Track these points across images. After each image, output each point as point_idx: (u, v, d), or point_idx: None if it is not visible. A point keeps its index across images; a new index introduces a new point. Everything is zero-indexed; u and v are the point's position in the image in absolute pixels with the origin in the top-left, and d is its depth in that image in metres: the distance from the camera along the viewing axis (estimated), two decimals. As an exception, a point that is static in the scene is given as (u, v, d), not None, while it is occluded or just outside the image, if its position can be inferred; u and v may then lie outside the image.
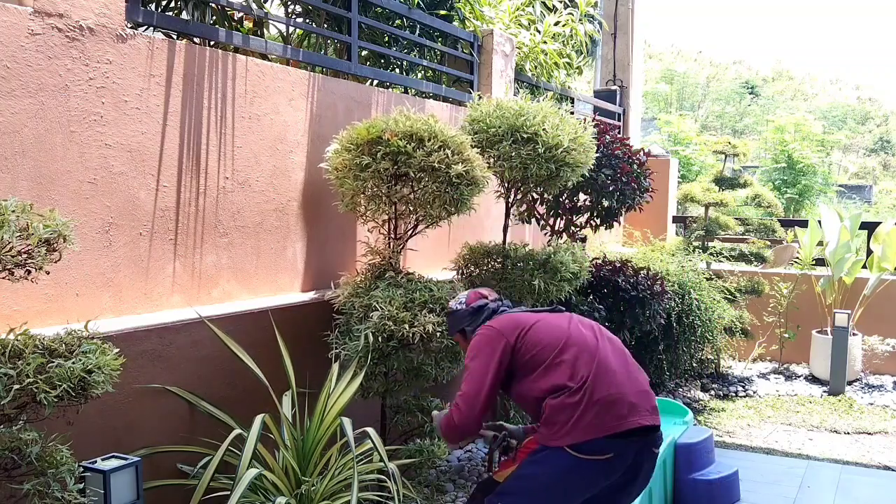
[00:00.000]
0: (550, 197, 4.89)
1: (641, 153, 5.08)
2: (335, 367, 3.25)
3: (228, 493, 2.52)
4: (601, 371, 2.52)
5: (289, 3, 4.54)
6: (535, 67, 6.28)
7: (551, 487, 2.52)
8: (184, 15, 3.78)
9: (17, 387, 1.97)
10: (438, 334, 3.25)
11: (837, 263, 6.79)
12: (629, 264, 5.27)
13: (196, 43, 3.47)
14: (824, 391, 6.43)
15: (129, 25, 2.99)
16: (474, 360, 2.65)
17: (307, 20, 4.68)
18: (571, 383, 2.50)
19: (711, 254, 6.86)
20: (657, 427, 2.58)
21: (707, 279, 6.24)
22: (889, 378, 6.84)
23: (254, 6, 3.85)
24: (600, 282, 5.03)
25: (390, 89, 4.91)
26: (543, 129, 3.74)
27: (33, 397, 2.00)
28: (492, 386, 2.60)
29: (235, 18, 4.32)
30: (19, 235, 1.99)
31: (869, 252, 7.03)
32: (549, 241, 4.83)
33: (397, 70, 5.20)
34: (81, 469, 2.18)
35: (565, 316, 2.77)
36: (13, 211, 2.04)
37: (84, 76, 2.77)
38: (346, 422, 2.83)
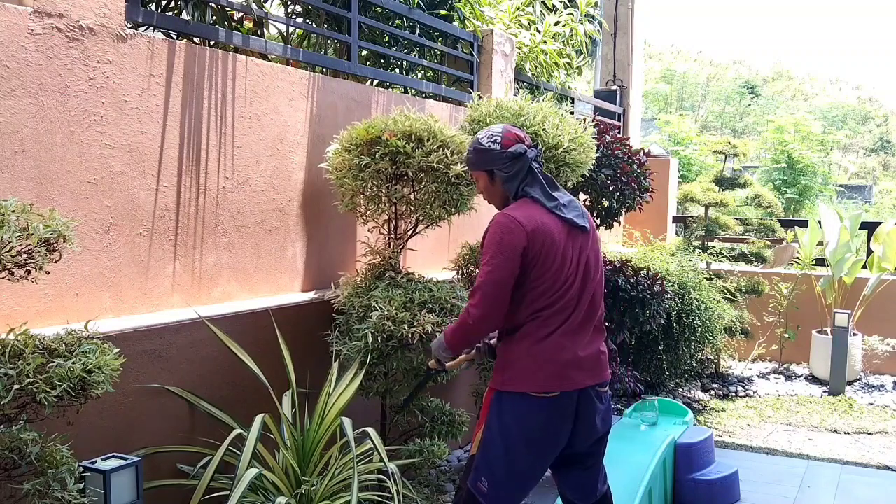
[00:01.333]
0: (550, 197, 4.89)
1: (641, 153, 5.08)
2: (335, 367, 3.25)
3: (228, 493, 2.52)
4: (568, 331, 2.58)
5: (289, 3, 4.54)
6: (535, 67, 6.28)
7: (527, 436, 2.56)
8: (184, 15, 3.78)
9: (17, 387, 1.97)
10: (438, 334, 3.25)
11: (837, 263, 6.79)
12: (629, 264, 5.27)
13: (196, 43, 3.47)
14: (824, 391, 6.43)
15: (129, 25, 2.99)
16: (491, 254, 2.53)
17: (307, 20, 4.69)
18: (538, 336, 2.55)
19: (711, 254, 6.86)
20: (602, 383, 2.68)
21: (707, 279, 6.24)
22: (889, 378, 6.84)
23: (254, 6, 3.85)
24: (600, 282, 5.03)
25: (390, 89, 4.91)
26: (543, 129, 3.74)
27: (33, 397, 2.00)
28: (508, 279, 2.51)
29: (235, 18, 4.32)
30: (19, 235, 1.99)
31: (869, 252, 7.03)
32: (549, 241, 4.82)
33: (397, 70, 5.20)
34: (81, 469, 2.18)
35: (577, 246, 2.64)
36: (13, 211, 2.04)
37: (84, 76, 2.77)
38: (346, 422, 2.83)
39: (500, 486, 2.59)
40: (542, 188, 2.64)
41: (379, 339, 3.22)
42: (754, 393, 6.36)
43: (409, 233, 3.68)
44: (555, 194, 2.65)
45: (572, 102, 6.99)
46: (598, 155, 4.39)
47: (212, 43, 3.50)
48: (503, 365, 2.62)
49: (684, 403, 5.26)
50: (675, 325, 5.63)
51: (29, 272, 2.03)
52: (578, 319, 2.61)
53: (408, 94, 4.84)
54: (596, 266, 2.72)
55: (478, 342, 2.77)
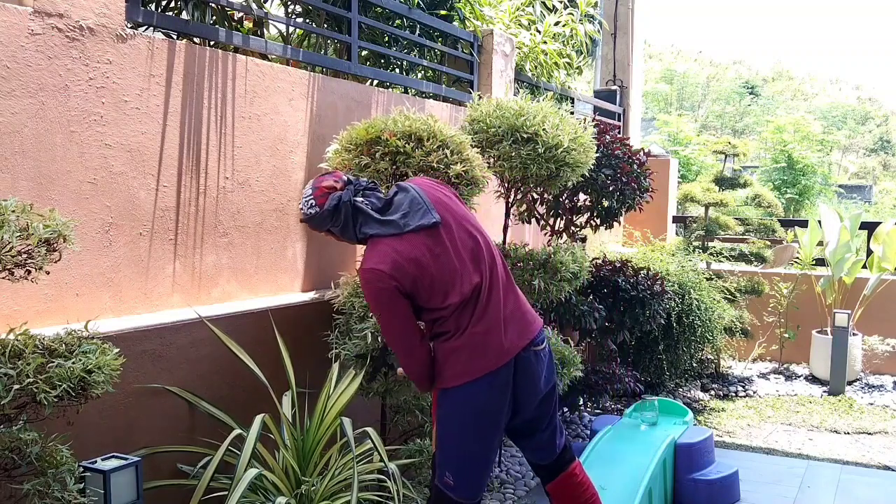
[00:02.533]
0: (550, 197, 4.89)
1: (641, 153, 5.08)
2: (335, 367, 3.25)
3: (228, 493, 2.52)
4: (482, 314, 2.62)
5: (289, 3, 4.54)
6: (535, 67, 6.28)
7: (475, 421, 2.65)
8: (184, 15, 3.78)
9: (17, 387, 1.97)
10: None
11: (837, 263, 6.79)
12: (629, 264, 5.27)
13: (196, 43, 3.47)
14: (824, 391, 6.43)
15: (129, 25, 2.99)
16: (378, 313, 2.64)
17: (307, 20, 4.68)
18: (452, 329, 2.62)
19: (711, 254, 6.85)
20: (534, 340, 2.70)
21: (707, 279, 6.24)
22: (889, 378, 6.84)
23: (254, 6, 3.85)
24: (600, 282, 5.04)
25: (390, 89, 4.91)
26: (543, 129, 3.74)
27: (33, 397, 2.00)
28: (407, 325, 2.62)
29: (235, 18, 4.32)
30: (19, 235, 1.98)
31: (869, 252, 7.03)
32: (549, 241, 4.83)
33: (397, 70, 5.20)
34: (81, 469, 2.18)
35: (443, 240, 2.62)
36: (13, 211, 2.04)
37: (84, 76, 2.77)
38: (346, 422, 2.83)
39: (463, 474, 2.69)
40: (374, 220, 2.65)
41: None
42: (754, 393, 6.36)
43: (409, 233, 3.67)
44: (388, 217, 2.64)
45: (572, 102, 6.99)
46: (598, 155, 4.39)
47: (212, 43, 3.50)
48: (438, 368, 2.69)
49: (684, 403, 5.26)
50: (675, 325, 5.63)
51: (29, 272, 2.03)
52: (486, 297, 2.65)
53: (408, 94, 4.84)
54: (474, 237, 2.71)
55: (426, 375, 2.75)
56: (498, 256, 2.78)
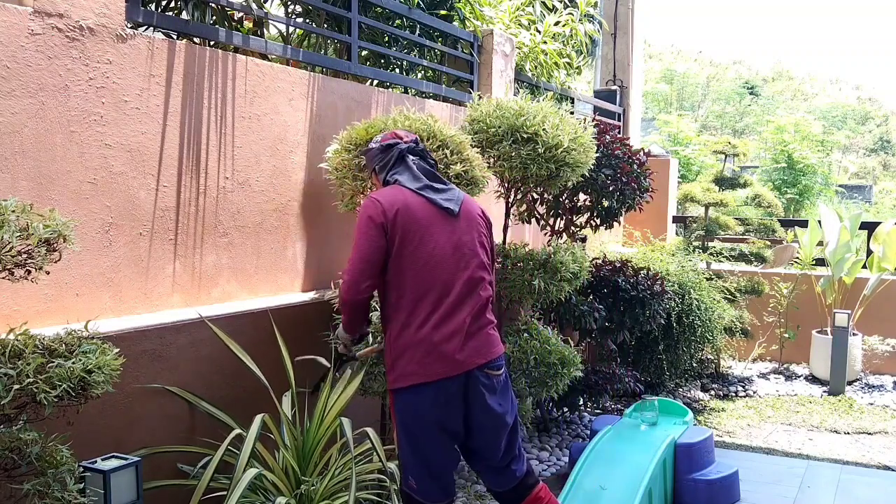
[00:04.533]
0: (550, 197, 4.89)
1: (641, 153, 5.08)
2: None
3: (228, 492, 2.52)
4: (444, 316, 2.64)
5: (289, 3, 4.54)
6: (535, 67, 6.28)
7: (425, 429, 2.66)
8: (184, 15, 3.78)
9: (17, 387, 1.97)
10: None
11: (837, 263, 6.79)
12: (629, 264, 5.27)
13: (196, 43, 3.47)
14: (824, 391, 6.43)
15: (129, 25, 2.99)
16: (356, 237, 2.71)
17: (307, 20, 4.69)
18: (412, 325, 2.65)
19: (711, 254, 6.85)
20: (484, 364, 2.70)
21: (707, 279, 6.24)
22: (889, 378, 6.84)
23: (254, 6, 3.85)
24: (600, 282, 5.04)
25: (390, 89, 4.91)
26: (543, 129, 3.74)
27: (33, 397, 2.00)
28: (370, 253, 2.65)
29: (235, 18, 4.32)
30: (19, 235, 1.99)
31: (869, 252, 7.03)
32: (549, 241, 4.83)
33: (397, 70, 5.20)
34: (81, 469, 2.18)
35: (448, 229, 2.73)
36: (13, 211, 2.04)
37: (84, 76, 2.77)
38: (346, 422, 2.83)
39: (423, 478, 2.72)
40: (410, 174, 2.80)
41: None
42: (754, 393, 6.36)
43: (409, 233, 3.67)
44: (426, 181, 2.78)
45: (572, 102, 6.99)
46: (598, 155, 4.39)
47: (212, 43, 3.50)
48: (389, 364, 2.72)
49: (684, 403, 5.26)
50: (675, 325, 5.63)
51: (29, 272, 2.03)
52: (453, 302, 2.67)
53: (408, 94, 4.84)
54: (474, 250, 2.77)
55: (361, 317, 2.82)
56: (489, 278, 2.81)
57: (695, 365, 6.24)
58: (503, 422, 2.77)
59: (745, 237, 7.21)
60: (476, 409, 2.69)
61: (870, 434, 5.40)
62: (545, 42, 6.24)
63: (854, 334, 6.67)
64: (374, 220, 2.65)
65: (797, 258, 7.29)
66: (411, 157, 2.85)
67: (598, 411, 5.56)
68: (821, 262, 7.19)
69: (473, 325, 2.69)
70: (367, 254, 2.64)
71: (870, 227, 7.22)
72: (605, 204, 4.92)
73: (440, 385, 2.62)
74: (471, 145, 3.59)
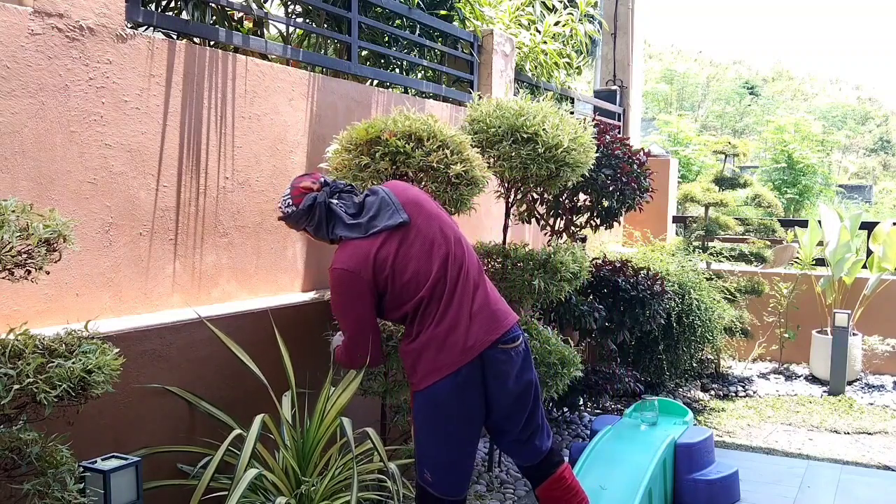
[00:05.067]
0: (550, 197, 4.89)
1: (641, 153, 5.08)
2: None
3: (228, 493, 2.52)
4: (448, 312, 2.67)
5: (289, 3, 4.54)
6: (535, 67, 6.28)
7: (443, 420, 2.71)
8: (184, 15, 3.78)
9: (17, 387, 1.96)
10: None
11: (837, 263, 6.79)
12: (629, 264, 5.27)
13: (196, 43, 3.47)
14: (824, 391, 6.43)
15: (129, 25, 2.99)
16: (340, 311, 2.75)
17: (307, 20, 4.68)
18: (416, 327, 2.70)
19: (711, 254, 6.85)
20: (504, 336, 2.72)
21: (707, 279, 6.24)
22: (889, 378, 6.84)
23: (254, 6, 3.85)
24: (600, 282, 5.04)
25: (390, 89, 4.91)
26: (543, 129, 3.73)
27: (33, 397, 1.99)
28: (365, 323, 2.74)
29: (235, 18, 4.32)
30: (19, 235, 1.98)
31: (869, 252, 7.03)
32: (549, 241, 4.83)
33: (397, 70, 5.20)
34: (81, 469, 2.18)
35: (409, 240, 2.72)
36: (13, 211, 2.04)
37: (84, 76, 2.77)
38: (346, 422, 2.83)
39: (440, 470, 2.75)
40: (343, 223, 2.77)
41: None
42: (754, 393, 6.36)
43: (409, 233, 3.67)
44: (356, 221, 2.75)
45: (572, 102, 6.99)
46: (598, 155, 4.38)
47: (212, 43, 3.50)
48: (409, 369, 2.78)
49: (684, 403, 5.26)
50: (675, 325, 5.63)
51: (29, 272, 2.03)
52: (451, 295, 2.69)
53: (408, 94, 4.84)
54: (441, 230, 2.77)
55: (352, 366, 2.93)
56: (470, 254, 2.82)
57: (695, 365, 6.24)
58: (523, 391, 2.79)
59: (745, 237, 7.21)
60: (494, 388, 2.72)
61: (870, 434, 5.40)
62: (545, 42, 6.24)
63: (854, 334, 6.67)
64: (351, 290, 2.68)
65: (797, 258, 7.29)
66: (333, 202, 2.82)
67: (598, 411, 5.56)
68: (821, 262, 7.20)
69: (475, 306, 2.71)
70: (363, 315, 2.73)
71: (870, 227, 7.22)
72: (605, 204, 4.92)
73: (457, 375, 2.66)
74: (471, 145, 3.58)
